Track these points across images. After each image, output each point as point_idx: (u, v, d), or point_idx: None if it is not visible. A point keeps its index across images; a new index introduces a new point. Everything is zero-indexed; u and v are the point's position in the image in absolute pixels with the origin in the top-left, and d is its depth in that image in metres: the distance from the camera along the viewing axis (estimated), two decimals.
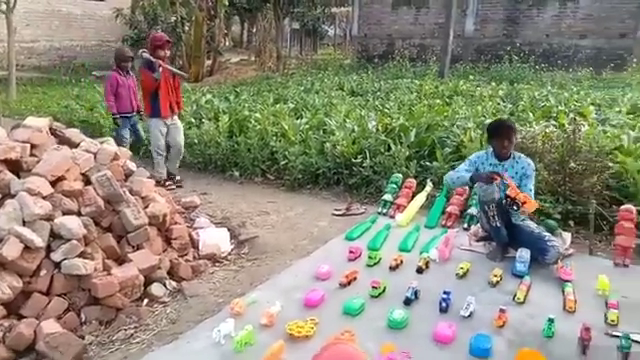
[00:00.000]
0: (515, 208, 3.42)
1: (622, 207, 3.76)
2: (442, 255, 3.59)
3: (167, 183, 5.52)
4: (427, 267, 3.46)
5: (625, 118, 6.64)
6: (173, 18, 16.77)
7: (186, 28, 16.74)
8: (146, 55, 5.29)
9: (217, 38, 18.19)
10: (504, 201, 3.47)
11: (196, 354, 2.54)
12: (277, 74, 16.15)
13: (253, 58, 20.83)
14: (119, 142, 6.02)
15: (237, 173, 5.98)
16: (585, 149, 4.47)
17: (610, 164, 4.35)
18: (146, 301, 3.16)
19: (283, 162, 5.65)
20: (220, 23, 18.16)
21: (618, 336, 2.57)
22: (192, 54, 16.58)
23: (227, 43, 22.68)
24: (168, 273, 3.44)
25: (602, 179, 4.13)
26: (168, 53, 5.49)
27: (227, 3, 16.57)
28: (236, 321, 2.67)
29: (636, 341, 2.55)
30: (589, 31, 15.94)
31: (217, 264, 3.71)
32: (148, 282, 3.25)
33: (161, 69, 5.24)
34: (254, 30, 23.96)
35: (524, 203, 3.36)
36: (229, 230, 4.19)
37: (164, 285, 3.32)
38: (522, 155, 3.73)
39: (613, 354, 2.51)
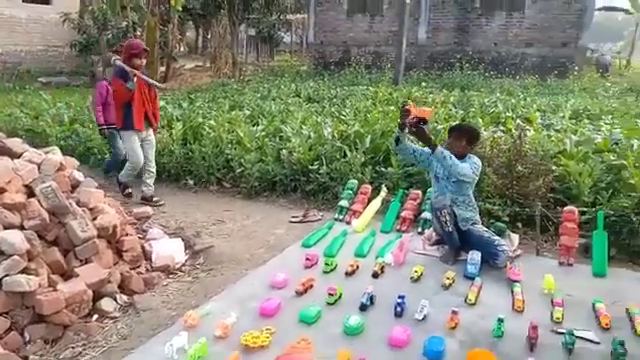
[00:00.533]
0: (422, 124, 3.49)
1: (565, 208, 3.93)
2: (397, 259, 3.64)
3: (155, 199, 5.21)
4: (382, 272, 3.50)
5: (568, 123, 6.98)
6: (124, 23, 16.35)
7: (138, 33, 16.33)
8: (119, 63, 4.90)
9: (170, 44, 17.86)
10: (437, 212, 3.62)
11: None
12: (233, 80, 16.03)
13: (208, 64, 20.58)
14: (117, 157, 5.79)
15: (191, 182, 5.87)
16: (531, 153, 4.66)
17: (554, 167, 4.54)
18: (95, 317, 3.05)
19: (239, 170, 5.60)
20: (173, 28, 17.85)
21: (563, 333, 2.68)
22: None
23: (181, 49, 22.30)
24: (119, 287, 3.33)
25: (547, 182, 4.31)
26: (144, 62, 5.07)
27: (181, 8, 16.29)
28: (190, 334, 2.61)
29: (580, 337, 2.68)
30: (534, 40, 16.68)
31: (171, 276, 3.63)
32: (97, 297, 3.13)
33: (136, 79, 4.85)
34: (209, 36, 23.67)
35: (424, 113, 3.48)
36: (183, 240, 4.10)
37: (114, 299, 3.21)
38: (472, 155, 3.82)
39: (559, 350, 2.62)
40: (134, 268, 3.61)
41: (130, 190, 5.42)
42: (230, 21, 18.55)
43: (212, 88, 13.87)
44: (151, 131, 5.23)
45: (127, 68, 4.83)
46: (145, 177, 5.23)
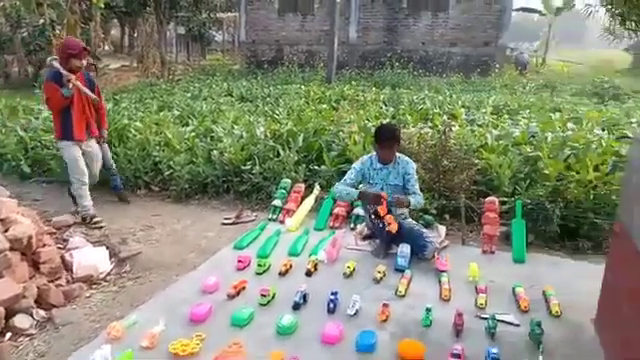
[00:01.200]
0: (380, 226, 3.66)
1: (487, 199, 4.14)
2: (330, 256, 3.66)
3: (94, 219, 4.47)
4: (316, 269, 3.51)
5: (489, 118, 7.35)
6: (41, 21, 15.35)
7: (57, 32, 15.40)
8: (55, 64, 4.26)
9: (93, 42, 16.98)
10: (372, 216, 3.69)
11: None
12: (162, 80, 15.49)
13: (135, 64, 19.77)
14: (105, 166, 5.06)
15: None
16: (455, 148, 4.86)
17: (477, 161, 4.76)
18: (9, 335, 2.82)
19: (168, 172, 5.41)
20: (96, 26, 16.99)
21: (486, 318, 2.81)
22: None
23: (106, 48, 21.26)
24: (36, 301, 3.11)
25: (470, 175, 4.50)
26: (85, 63, 4.49)
27: (103, 5, 15.52)
28: (114, 346, 2.49)
29: (501, 321, 2.82)
30: (458, 39, 17.45)
31: (94, 286, 3.44)
32: (11, 314, 2.91)
33: (71, 85, 4.22)
34: (136, 34, 22.74)
35: (389, 224, 3.59)
36: (108, 248, 3.90)
37: (31, 315, 2.99)
38: (402, 156, 3.93)
39: (483, 335, 2.74)
40: (53, 280, 3.39)
41: (98, 218, 4.52)
42: (157, 19, 17.92)
43: (139, 88, 13.34)
44: (93, 141, 4.62)
45: (62, 71, 4.22)
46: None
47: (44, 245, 3.53)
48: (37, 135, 6.55)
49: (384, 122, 6.51)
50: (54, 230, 4.22)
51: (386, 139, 3.73)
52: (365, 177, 3.87)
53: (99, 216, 4.52)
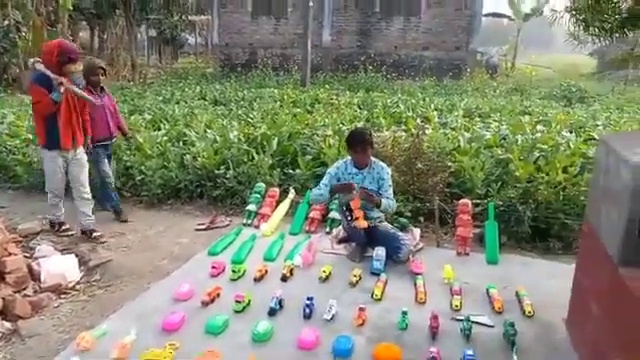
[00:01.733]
0: (349, 219, 3.69)
1: (460, 201, 4.18)
2: (306, 261, 3.64)
3: (63, 227, 4.34)
4: (291, 274, 3.49)
5: (462, 121, 7.46)
6: (6, 22, 14.89)
7: (22, 34, 14.97)
8: (40, 67, 3.90)
9: None
10: (344, 207, 3.70)
11: None
12: (132, 84, 15.23)
13: (106, 67, 19.35)
14: (104, 180, 4.77)
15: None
16: (429, 151, 4.91)
17: (450, 163, 4.82)
18: None
19: (139, 177, 5.30)
20: (64, 29, 16.57)
21: (461, 320, 2.83)
22: None
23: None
24: (1, 313, 3.00)
25: (444, 178, 4.55)
26: (79, 68, 4.21)
27: (71, 7, 15.16)
28: (83, 358, 2.41)
29: (476, 322, 2.84)
30: (430, 44, 17.71)
31: (63, 296, 3.33)
32: None
33: (63, 89, 3.87)
34: (105, 37, 22.29)
35: (357, 218, 3.63)
36: (77, 256, 3.79)
37: None
38: (377, 160, 3.94)
39: (458, 337, 2.76)
40: (19, 291, 3.27)
41: (67, 226, 4.38)
42: (127, 21, 17.59)
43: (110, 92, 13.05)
44: (80, 149, 4.27)
45: (50, 75, 3.86)
46: (80, 205, 4.27)
47: (10, 254, 3.41)
48: (2, 140, 6.34)
49: (357, 126, 6.56)
50: (20, 238, 4.09)
51: (358, 143, 3.74)
52: (340, 181, 3.86)
53: (68, 224, 4.38)
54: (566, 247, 4.07)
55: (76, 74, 4.19)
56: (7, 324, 2.92)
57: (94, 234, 4.24)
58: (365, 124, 7.10)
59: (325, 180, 3.87)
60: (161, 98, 10.68)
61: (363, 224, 3.63)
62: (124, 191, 5.43)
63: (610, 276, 2.20)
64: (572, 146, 5.28)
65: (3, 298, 3.06)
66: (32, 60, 4.03)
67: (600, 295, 2.37)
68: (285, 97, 10.28)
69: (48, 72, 3.87)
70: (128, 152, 5.62)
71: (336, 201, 4.33)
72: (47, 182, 4.27)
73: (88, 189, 4.32)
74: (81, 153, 4.28)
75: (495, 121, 7.51)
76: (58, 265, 3.55)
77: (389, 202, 3.78)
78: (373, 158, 3.91)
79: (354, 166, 3.85)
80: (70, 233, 4.31)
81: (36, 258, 3.67)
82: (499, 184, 4.49)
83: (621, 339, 2.06)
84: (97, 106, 4.47)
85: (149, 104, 9.38)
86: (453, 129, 6.72)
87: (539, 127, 6.82)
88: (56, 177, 4.19)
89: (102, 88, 4.82)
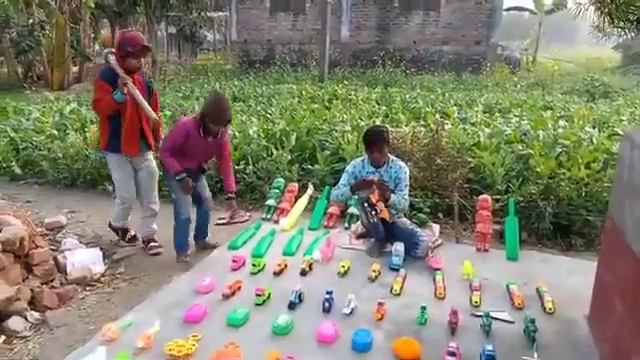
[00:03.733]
0: (373, 213, 3.66)
1: (480, 197, 4.16)
2: (324, 255, 3.67)
3: (129, 235, 4.07)
4: (311, 269, 3.52)
5: (481, 116, 7.39)
6: (30, 21, 15.21)
7: (46, 32, 15.26)
8: (112, 61, 3.57)
9: (83, 42, 16.86)
10: (365, 203, 3.68)
11: None
12: (153, 80, 15.42)
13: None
14: (179, 218, 3.80)
15: (110, 187, 5.55)
16: (448, 146, 4.89)
17: (469, 159, 4.79)
18: (2, 338, 2.80)
19: (160, 173, 5.37)
20: (86, 26, 16.86)
21: (481, 315, 2.83)
22: (55, 60, 15.19)
23: (96, 47, 21.09)
24: (30, 303, 3.09)
25: (463, 173, 4.53)
26: (144, 62, 3.79)
27: (93, 5, 15.41)
28: (109, 348, 2.48)
29: (496, 318, 2.84)
30: (450, 38, 17.52)
31: (88, 288, 3.42)
32: (4, 316, 2.89)
33: (126, 90, 3.51)
34: None
35: (381, 211, 3.63)
36: (102, 249, 3.88)
37: (25, 318, 2.97)
38: (395, 159, 3.90)
39: (478, 332, 2.75)
40: (46, 282, 3.37)
41: (133, 232, 4.14)
42: (148, 19, 17.80)
43: None
44: (150, 155, 3.92)
45: (119, 71, 3.54)
46: (143, 215, 3.99)
47: (37, 247, 3.51)
48: (28, 136, 6.51)
49: (376, 122, 6.54)
50: (47, 232, 4.20)
51: (374, 142, 3.71)
52: (358, 179, 3.85)
53: (86, 214, 4.38)
54: (588, 244, 4.02)
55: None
56: (36, 314, 3.01)
57: (151, 244, 3.94)
58: (384, 120, 7.09)
59: (344, 180, 3.88)
60: (181, 94, 10.81)
61: (387, 215, 3.64)
62: None
63: (634, 272, 2.17)
64: (595, 141, 5.19)
65: (32, 290, 3.16)
66: (105, 50, 3.71)
67: (623, 292, 2.34)
68: (303, 93, 10.30)
69: (118, 68, 3.55)
70: None
71: (355, 196, 4.35)
72: (117, 189, 3.93)
73: (156, 198, 4.01)
74: (149, 158, 3.91)
75: (516, 116, 7.41)
76: (83, 258, 3.65)
77: (399, 199, 3.72)
78: (391, 156, 3.89)
79: (371, 164, 3.84)
80: (137, 243, 4.05)
81: (62, 251, 3.77)
82: (520, 180, 4.44)
83: None
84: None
85: (169, 100, 9.50)
86: (473, 124, 6.67)
87: (561, 122, 6.71)
88: (126, 184, 3.84)
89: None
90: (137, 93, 3.60)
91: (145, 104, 3.65)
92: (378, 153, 3.73)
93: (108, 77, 3.58)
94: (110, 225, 4.12)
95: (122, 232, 4.10)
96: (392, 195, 3.70)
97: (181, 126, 3.64)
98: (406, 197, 3.81)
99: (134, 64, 3.59)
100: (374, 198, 3.61)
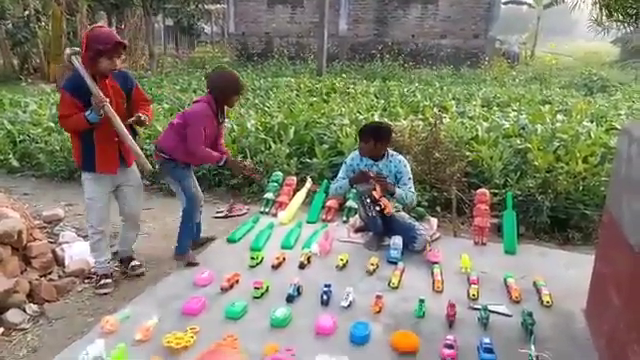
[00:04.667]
0: (378, 209, 3.66)
1: (478, 191, 4.17)
2: (323, 249, 3.67)
3: (134, 263, 3.47)
4: (309, 262, 3.52)
5: (480, 110, 7.39)
6: (26, 12, 15.09)
7: (42, 23, 15.14)
8: (76, 63, 2.90)
9: (79, 34, 16.74)
10: (368, 200, 3.67)
11: None
12: (150, 73, 15.34)
13: (123, 56, 19.50)
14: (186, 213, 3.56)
15: None
16: (446, 140, 4.88)
17: (468, 153, 4.79)
18: (1, 330, 2.80)
19: (158, 166, 5.37)
20: (82, 18, 16.73)
21: (478, 309, 2.84)
22: (51, 52, 15.10)
23: None
24: (28, 296, 3.09)
25: (461, 167, 4.53)
26: (119, 63, 3.03)
27: None
28: (107, 340, 2.47)
29: (493, 311, 2.85)
30: (448, 32, 17.49)
31: (87, 280, 3.41)
32: (3, 308, 2.89)
33: (102, 112, 2.90)
34: (123, 26, 22.43)
35: (385, 207, 3.62)
36: None
37: (23, 310, 2.97)
38: (395, 153, 3.87)
39: (475, 326, 2.77)
40: (45, 275, 3.37)
41: (138, 262, 3.53)
42: (145, 11, 17.66)
43: None
44: (131, 171, 3.34)
45: (89, 82, 2.88)
46: (125, 233, 3.53)
47: (35, 239, 3.51)
48: (25, 128, 6.48)
49: (374, 116, 6.53)
50: (45, 224, 4.19)
51: (363, 134, 3.72)
52: (356, 172, 3.85)
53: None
54: (585, 238, 4.04)
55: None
56: (34, 307, 3.01)
57: (132, 263, 3.48)
58: (382, 114, 7.08)
59: (342, 173, 3.88)
60: (178, 87, 10.77)
61: (391, 210, 3.65)
62: (143, 180, 5.51)
63: (631, 265, 2.18)
64: (593, 136, 5.20)
65: (30, 282, 3.16)
66: (68, 51, 2.95)
67: (620, 285, 2.36)
68: (301, 86, 10.27)
69: (87, 76, 2.89)
70: (147, 141, 5.69)
71: (353, 190, 4.35)
72: (87, 215, 3.34)
73: (137, 216, 3.51)
74: (133, 173, 3.37)
75: (514, 110, 7.42)
76: (81, 250, 3.64)
77: (406, 193, 3.71)
78: (391, 150, 3.87)
79: (370, 157, 3.83)
80: (140, 271, 3.46)
81: (60, 244, 3.76)
82: (518, 174, 4.45)
83: None
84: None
85: (167, 93, 9.48)
86: (471, 118, 6.67)
87: (559, 117, 6.72)
88: (98, 209, 3.21)
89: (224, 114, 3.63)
90: (117, 120, 2.98)
91: (125, 131, 3.03)
92: (365, 144, 3.70)
93: (76, 88, 2.93)
94: (96, 274, 3.35)
95: (125, 261, 3.52)
96: (397, 189, 3.69)
97: (200, 114, 3.38)
98: (412, 190, 3.76)
99: (106, 66, 2.94)
100: (377, 194, 3.60)
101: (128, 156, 3.22)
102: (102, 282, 3.28)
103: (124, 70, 3.25)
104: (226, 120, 3.97)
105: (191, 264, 3.53)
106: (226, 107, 3.60)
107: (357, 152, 3.92)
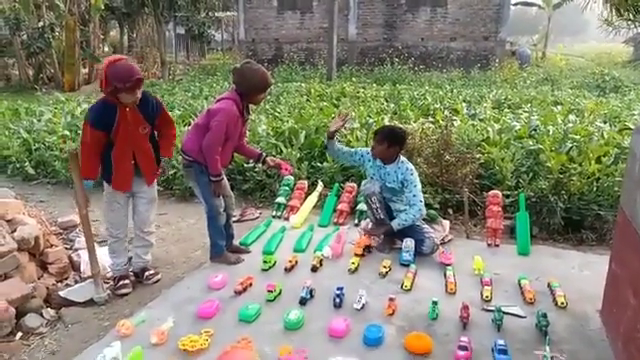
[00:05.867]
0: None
1: (490, 193, 4.15)
2: (335, 252, 3.68)
3: (148, 272, 3.46)
4: (321, 265, 3.53)
5: (491, 112, 7.36)
6: (40, 23, 15.36)
7: (56, 34, 15.40)
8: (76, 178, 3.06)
9: (92, 44, 17.01)
10: (375, 204, 3.74)
11: None
12: (162, 80, 15.52)
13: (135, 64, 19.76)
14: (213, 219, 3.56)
15: None
16: (457, 142, 4.88)
17: (479, 155, 4.77)
18: (19, 335, 2.85)
19: (171, 172, 5.43)
20: (95, 28, 17.00)
21: (492, 310, 2.83)
22: (65, 62, 15.35)
23: (105, 49, 21.27)
24: (45, 301, 3.14)
25: (473, 169, 4.51)
26: (139, 95, 3.03)
27: (102, 7, 15.54)
28: (123, 344, 2.50)
29: (507, 313, 2.83)
30: (457, 34, 17.44)
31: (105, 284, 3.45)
32: (21, 313, 2.94)
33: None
34: (135, 35, 22.74)
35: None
36: None
37: (41, 315, 3.03)
38: (405, 160, 3.79)
39: (489, 327, 2.75)
40: (61, 280, 3.43)
41: (151, 271, 3.50)
42: (156, 19, 17.90)
43: None
44: (148, 187, 3.40)
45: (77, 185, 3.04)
46: (137, 245, 3.49)
47: (51, 245, 3.57)
48: (40, 137, 6.59)
49: (384, 119, 6.53)
50: (61, 230, 4.25)
51: (378, 135, 3.70)
52: (364, 166, 3.87)
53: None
54: (600, 239, 4.00)
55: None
56: (51, 311, 3.06)
57: (146, 273, 3.46)
58: (392, 117, 7.08)
59: (355, 151, 3.91)
60: (190, 94, 10.87)
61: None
62: (158, 186, 5.57)
63: None
64: (606, 136, 5.16)
65: (47, 287, 3.21)
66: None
67: (636, 285, 2.33)
68: (311, 91, 10.31)
69: (78, 181, 3.06)
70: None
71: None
72: (105, 222, 3.43)
73: (151, 227, 3.52)
74: (148, 190, 3.41)
75: (525, 112, 7.38)
76: (97, 256, 3.68)
77: (402, 219, 3.65)
78: (402, 157, 3.79)
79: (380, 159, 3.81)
80: (156, 279, 3.43)
81: (76, 249, 3.82)
82: (530, 175, 4.42)
83: None
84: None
85: (179, 100, 9.57)
86: (482, 120, 6.64)
87: (571, 117, 6.67)
88: (113, 210, 3.33)
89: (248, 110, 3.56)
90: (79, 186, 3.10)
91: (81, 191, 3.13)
92: (377, 145, 3.67)
93: (96, 122, 3.02)
94: (114, 277, 3.39)
95: (140, 273, 3.47)
96: (394, 224, 3.67)
97: (226, 111, 3.26)
98: (415, 196, 3.66)
99: (127, 99, 2.98)
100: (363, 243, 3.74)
101: (147, 173, 3.31)
102: (120, 283, 3.34)
103: (150, 97, 3.27)
104: (251, 115, 3.83)
105: (235, 262, 3.57)
106: (252, 105, 3.51)
107: (370, 151, 3.85)
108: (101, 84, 3.00)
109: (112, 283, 3.41)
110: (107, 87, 2.95)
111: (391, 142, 3.65)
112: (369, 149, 3.86)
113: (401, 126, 5.06)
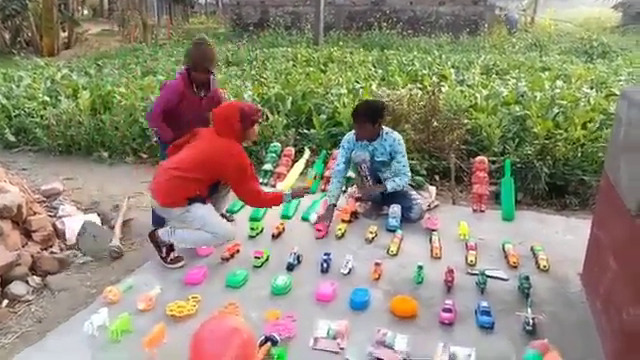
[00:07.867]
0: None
1: (476, 159, 4.16)
2: (321, 233, 3.64)
3: (172, 256, 3.15)
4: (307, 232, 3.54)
5: (479, 78, 7.32)
6: None
7: None
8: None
9: (72, 6, 16.42)
10: (365, 171, 3.70)
11: (67, 350, 2.34)
12: (144, 45, 15.11)
13: (116, 28, 19.20)
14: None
15: (105, 154, 5.54)
16: (445, 108, 4.85)
17: (466, 121, 4.77)
18: (6, 302, 2.85)
19: (156, 139, 5.34)
20: None
21: (476, 274, 2.88)
22: (43, 25, 14.82)
23: (85, 12, 20.56)
24: (31, 269, 3.13)
25: (460, 135, 4.51)
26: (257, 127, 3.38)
27: None
28: (111, 310, 2.51)
29: (490, 276, 2.89)
30: None
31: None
32: (6, 281, 2.93)
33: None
34: None
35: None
36: (99, 215, 3.90)
37: (26, 282, 3.01)
38: (389, 130, 3.73)
39: (473, 290, 2.81)
40: (46, 248, 3.40)
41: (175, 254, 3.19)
42: None
43: (122, 54, 13.03)
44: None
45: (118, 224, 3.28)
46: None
47: (34, 213, 3.53)
48: (20, 103, 6.42)
49: (372, 85, 6.46)
50: (44, 198, 4.19)
51: (356, 115, 3.58)
52: (354, 152, 3.72)
53: (82, 181, 4.01)
54: (583, 203, 4.06)
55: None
56: (37, 279, 3.05)
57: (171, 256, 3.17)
58: (380, 82, 7.01)
59: (341, 157, 3.78)
60: (173, 59, 10.64)
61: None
62: (141, 152, 5.51)
63: (627, 229, 2.20)
64: (592, 102, 5.17)
65: (32, 255, 3.19)
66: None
67: (617, 248, 2.38)
68: (298, 56, 10.15)
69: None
70: (144, 114, 5.65)
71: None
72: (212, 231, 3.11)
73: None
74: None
75: (513, 78, 7.35)
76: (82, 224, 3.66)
77: (396, 182, 3.63)
78: (386, 128, 3.72)
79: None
80: (181, 264, 3.13)
81: (60, 217, 3.78)
82: (516, 141, 4.45)
83: (637, 291, 2.08)
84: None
85: (162, 65, 9.36)
86: (470, 86, 6.61)
87: (558, 83, 6.67)
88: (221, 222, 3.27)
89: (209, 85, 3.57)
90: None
91: None
92: (358, 126, 3.58)
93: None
94: (153, 237, 3.15)
95: (167, 249, 3.16)
96: (387, 185, 3.63)
97: (169, 86, 3.50)
98: (405, 171, 3.67)
99: (255, 132, 3.34)
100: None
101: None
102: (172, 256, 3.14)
103: (220, 95, 3.69)
104: (222, 92, 3.89)
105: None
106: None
107: (351, 133, 3.75)
108: (229, 126, 3.09)
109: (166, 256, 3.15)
110: (242, 123, 3.11)
111: (375, 119, 3.54)
112: (348, 137, 3.77)
113: (377, 99, 4.90)
